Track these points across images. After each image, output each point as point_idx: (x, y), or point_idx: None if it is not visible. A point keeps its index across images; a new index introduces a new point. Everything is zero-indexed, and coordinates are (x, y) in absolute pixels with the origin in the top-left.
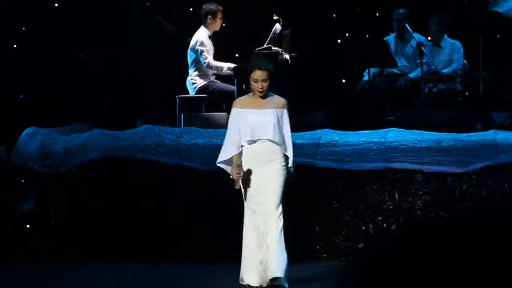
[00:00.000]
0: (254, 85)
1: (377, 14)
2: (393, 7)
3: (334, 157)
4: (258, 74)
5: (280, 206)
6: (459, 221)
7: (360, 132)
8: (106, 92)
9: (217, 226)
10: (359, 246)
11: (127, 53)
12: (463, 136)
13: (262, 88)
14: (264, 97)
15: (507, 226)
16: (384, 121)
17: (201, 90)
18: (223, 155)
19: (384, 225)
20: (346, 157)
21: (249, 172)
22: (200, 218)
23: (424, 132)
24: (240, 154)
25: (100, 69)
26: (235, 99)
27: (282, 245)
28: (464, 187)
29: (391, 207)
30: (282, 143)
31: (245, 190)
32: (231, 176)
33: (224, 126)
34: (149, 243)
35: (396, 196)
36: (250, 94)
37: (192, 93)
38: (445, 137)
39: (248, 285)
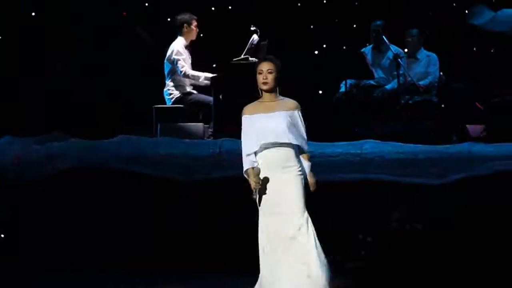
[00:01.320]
0: (259, 77)
1: (354, 26)
2: None
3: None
4: (262, 65)
5: (306, 213)
6: (435, 232)
7: (336, 143)
8: (82, 102)
9: (194, 235)
10: (335, 257)
11: (104, 62)
12: (439, 148)
13: (266, 79)
14: (273, 99)
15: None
16: (360, 132)
17: (177, 100)
18: (245, 165)
19: (360, 236)
20: (322, 168)
21: (265, 180)
22: (176, 228)
23: (400, 144)
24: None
25: (77, 78)
26: (211, 109)
27: (317, 257)
28: (440, 199)
29: (367, 218)
30: (297, 147)
31: (260, 198)
32: (251, 186)
33: (201, 136)
34: (124, 253)
35: (372, 208)
36: (259, 100)
37: (168, 103)
38: (421, 149)
39: None
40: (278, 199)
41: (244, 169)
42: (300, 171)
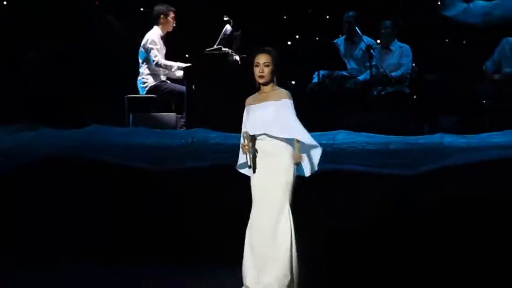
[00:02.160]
0: (255, 70)
1: (327, 17)
2: None
3: None
4: (258, 57)
5: (287, 206)
6: (406, 223)
7: (309, 134)
8: (54, 91)
9: (167, 225)
10: (308, 248)
11: (76, 51)
12: (411, 139)
13: (262, 72)
14: (268, 90)
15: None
16: (333, 123)
17: (151, 89)
18: (239, 159)
19: (332, 226)
20: None
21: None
22: (148, 218)
23: (372, 134)
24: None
25: (49, 67)
26: (184, 100)
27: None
28: (411, 190)
29: (339, 209)
30: (285, 135)
31: (254, 165)
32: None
33: (173, 126)
34: (97, 243)
35: (344, 198)
36: (259, 91)
37: (142, 92)
38: (393, 140)
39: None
40: (263, 188)
41: (238, 164)
42: (289, 163)
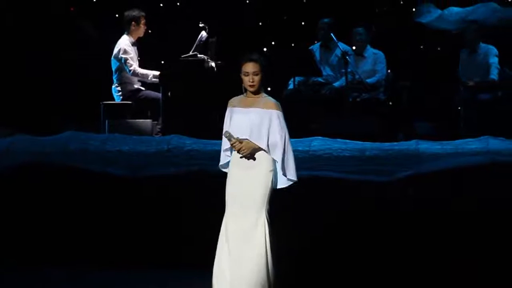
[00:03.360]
0: (245, 79)
1: (303, 23)
2: None
3: None
4: (248, 66)
5: (264, 213)
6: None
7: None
8: (30, 97)
9: (144, 233)
10: (283, 255)
11: (52, 57)
12: (386, 145)
13: (253, 82)
14: (256, 95)
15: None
16: (308, 129)
17: (126, 97)
18: (221, 160)
19: (308, 232)
20: None
21: (230, 175)
22: (126, 225)
23: (348, 141)
24: None
25: (24, 73)
26: (160, 106)
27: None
28: (386, 196)
29: (314, 214)
30: (266, 147)
31: (226, 196)
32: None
33: (149, 133)
34: (73, 250)
35: (320, 204)
36: (245, 94)
37: (117, 100)
38: (369, 146)
39: None
40: (240, 195)
41: (220, 164)
42: (267, 171)
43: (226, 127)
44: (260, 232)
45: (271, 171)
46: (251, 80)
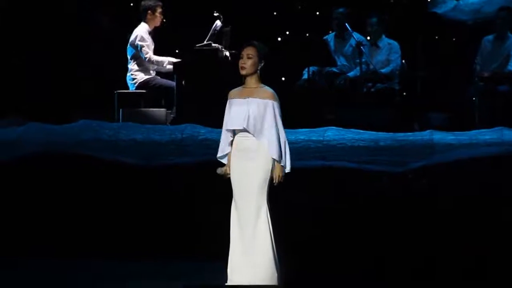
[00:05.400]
0: (239, 62)
1: (317, 13)
2: None
3: None
4: (244, 49)
5: (264, 205)
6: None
7: (299, 130)
8: (43, 86)
9: (156, 222)
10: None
11: (66, 47)
12: (400, 135)
13: (243, 64)
14: (254, 86)
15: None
16: (322, 119)
17: (141, 85)
18: (219, 151)
19: (322, 222)
20: None
21: (232, 167)
22: (138, 214)
23: (362, 131)
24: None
25: (39, 63)
26: (174, 95)
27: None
28: (400, 187)
29: (329, 205)
30: (264, 136)
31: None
32: (217, 171)
33: (163, 122)
34: (86, 240)
35: (334, 195)
36: (243, 85)
37: (132, 88)
38: (383, 137)
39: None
40: (241, 187)
41: (218, 155)
42: (266, 160)
43: (226, 119)
44: (263, 220)
45: (270, 160)
46: (243, 62)
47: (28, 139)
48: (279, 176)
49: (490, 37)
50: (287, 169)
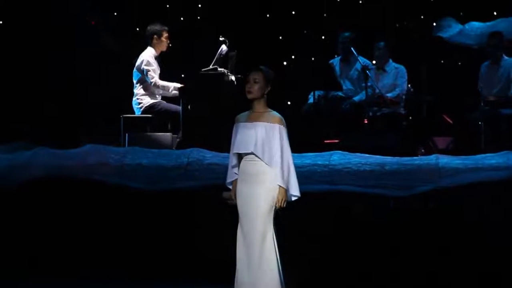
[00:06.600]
0: (246, 86)
1: (323, 37)
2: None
3: None
4: (251, 74)
5: (268, 232)
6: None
7: (305, 154)
8: (50, 110)
9: (162, 246)
10: (302, 267)
11: (72, 71)
12: (406, 160)
13: (250, 88)
14: (261, 111)
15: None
16: (328, 144)
17: (146, 109)
18: (227, 177)
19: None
20: None
21: (238, 191)
22: (144, 238)
23: (367, 155)
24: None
25: (45, 87)
26: (180, 119)
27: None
28: (407, 211)
29: (334, 229)
30: (271, 160)
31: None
32: (223, 195)
33: (169, 146)
34: (92, 263)
35: (339, 219)
36: (251, 109)
37: (137, 112)
38: (389, 161)
39: None
40: (247, 211)
41: (226, 181)
42: (273, 186)
43: (233, 143)
44: (269, 245)
45: (276, 185)
46: (249, 86)
47: (35, 164)
48: (281, 200)
49: (487, 63)
50: (297, 194)
